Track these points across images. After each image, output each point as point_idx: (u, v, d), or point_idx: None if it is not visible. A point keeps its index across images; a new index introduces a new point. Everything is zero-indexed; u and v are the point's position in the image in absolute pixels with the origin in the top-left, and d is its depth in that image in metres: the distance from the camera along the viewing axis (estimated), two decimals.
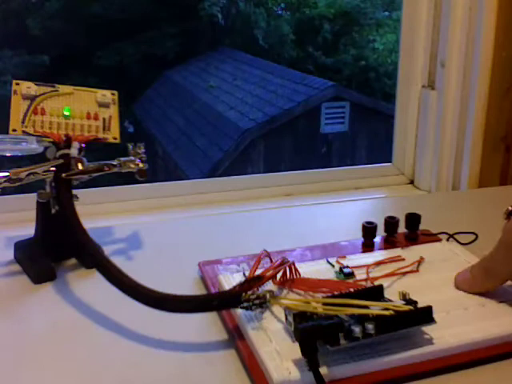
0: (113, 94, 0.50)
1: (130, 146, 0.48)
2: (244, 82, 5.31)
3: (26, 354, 0.39)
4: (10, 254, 0.50)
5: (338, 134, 4.96)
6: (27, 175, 0.44)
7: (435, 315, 0.36)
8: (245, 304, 0.37)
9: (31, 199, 0.48)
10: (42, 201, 0.47)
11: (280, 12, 6.73)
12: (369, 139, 4.97)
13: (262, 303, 0.37)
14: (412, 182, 0.80)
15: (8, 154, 0.47)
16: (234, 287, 0.38)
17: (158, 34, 5.99)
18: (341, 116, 4.92)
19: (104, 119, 0.49)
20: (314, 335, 0.33)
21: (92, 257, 0.41)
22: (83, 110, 0.49)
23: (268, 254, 0.43)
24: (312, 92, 4.78)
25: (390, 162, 0.83)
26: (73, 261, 0.50)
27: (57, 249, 0.49)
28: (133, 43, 5.95)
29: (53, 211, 0.46)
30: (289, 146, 4.76)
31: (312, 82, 4.99)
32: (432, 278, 0.44)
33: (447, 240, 0.51)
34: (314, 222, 0.60)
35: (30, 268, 0.48)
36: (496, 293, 0.41)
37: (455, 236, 0.52)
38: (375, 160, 0.92)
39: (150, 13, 5.98)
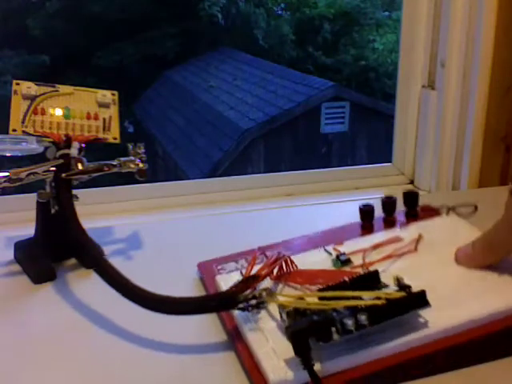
0: (113, 95, 0.50)
1: (130, 146, 0.48)
2: (244, 82, 5.31)
3: (26, 353, 0.39)
4: (9, 254, 0.50)
5: (337, 134, 4.96)
6: (27, 175, 0.44)
7: (433, 295, 0.35)
8: (241, 305, 0.37)
9: (31, 199, 0.48)
10: (42, 201, 0.47)
11: (280, 12, 6.73)
12: (369, 139, 4.97)
13: (259, 303, 0.37)
14: (412, 182, 0.80)
15: (8, 154, 0.47)
16: (230, 288, 0.38)
17: (158, 34, 6.00)
18: (341, 116, 4.92)
19: (104, 119, 0.49)
20: (305, 334, 0.33)
21: (90, 258, 0.41)
22: (83, 110, 0.49)
23: (263, 252, 0.43)
24: (312, 92, 4.78)
25: (390, 161, 0.83)
26: (73, 261, 0.50)
27: (57, 249, 0.49)
28: (133, 43, 5.95)
29: (53, 211, 0.46)
30: (289, 146, 4.76)
31: (312, 82, 4.99)
32: (430, 256, 0.43)
33: (446, 214, 0.51)
34: (315, 221, 0.60)
35: (30, 268, 0.48)
36: (496, 266, 0.40)
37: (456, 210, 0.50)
38: (375, 160, 0.92)
39: (150, 13, 5.98)
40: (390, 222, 0.50)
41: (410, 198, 0.50)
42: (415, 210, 0.50)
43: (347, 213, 0.63)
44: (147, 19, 5.96)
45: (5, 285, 0.47)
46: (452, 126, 0.73)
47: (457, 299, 0.38)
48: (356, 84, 5.94)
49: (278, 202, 0.76)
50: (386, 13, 6.56)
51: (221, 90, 5.30)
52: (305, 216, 0.62)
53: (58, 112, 0.47)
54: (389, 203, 0.50)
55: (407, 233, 0.46)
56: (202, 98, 5.29)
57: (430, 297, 0.35)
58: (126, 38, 5.93)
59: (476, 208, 0.51)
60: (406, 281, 0.36)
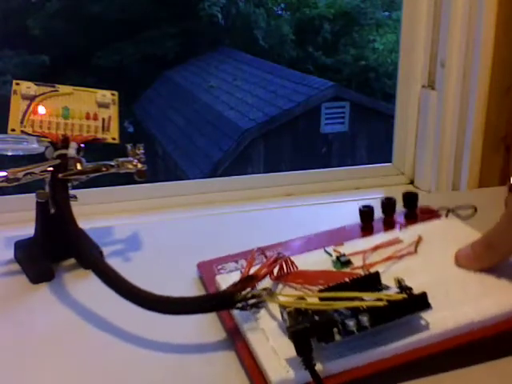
0: (113, 95, 0.50)
1: (129, 147, 0.48)
2: (244, 82, 5.32)
3: (24, 353, 0.39)
4: (9, 254, 0.50)
5: (337, 134, 4.96)
6: (24, 175, 0.44)
7: (433, 297, 0.35)
8: (240, 304, 0.37)
9: (31, 199, 0.48)
10: (41, 201, 0.47)
11: (280, 12, 6.73)
12: (369, 139, 4.97)
13: (258, 303, 0.37)
14: (412, 182, 0.80)
15: (10, 154, 0.47)
16: (228, 288, 0.38)
17: (158, 34, 6.00)
18: (341, 116, 4.92)
19: (103, 119, 0.49)
20: (306, 334, 0.32)
21: (86, 259, 0.41)
22: (83, 110, 0.48)
23: (262, 251, 0.43)
24: (312, 92, 4.78)
25: (390, 161, 0.83)
26: (72, 261, 0.50)
27: (56, 249, 0.49)
28: (133, 43, 5.95)
29: (52, 211, 0.46)
30: (289, 146, 4.76)
31: (312, 82, 4.99)
32: (430, 258, 0.43)
33: (446, 216, 0.51)
34: (315, 221, 0.60)
35: (29, 268, 0.48)
36: (495, 268, 0.40)
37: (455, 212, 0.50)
38: (375, 160, 0.92)
39: (150, 13, 5.98)
40: (389, 224, 0.50)
41: (410, 199, 0.50)
42: (414, 212, 0.50)
43: (347, 213, 0.62)
44: (147, 19, 5.96)
45: (3, 284, 0.47)
46: (452, 126, 0.73)
47: (457, 301, 0.38)
48: (356, 84, 5.95)
49: (278, 202, 0.76)
50: (386, 13, 6.56)
51: (221, 90, 5.30)
52: (305, 216, 0.62)
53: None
54: (388, 204, 0.50)
55: (407, 234, 0.46)
56: (201, 98, 5.29)
57: (430, 299, 0.35)
58: (126, 38, 5.93)
59: (475, 210, 0.51)
60: (407, 282, 0.36)
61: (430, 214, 0.50)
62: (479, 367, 0.36)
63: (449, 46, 0.71)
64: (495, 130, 0.73)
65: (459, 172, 0.74)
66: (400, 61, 0.79)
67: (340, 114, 4.90)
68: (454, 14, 0.70)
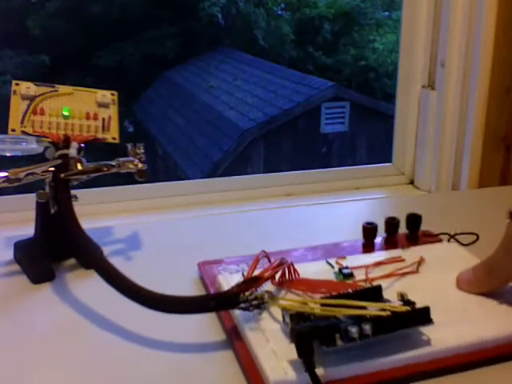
0: (112, 95, 0.50)
1: (129, 147, 0.48)
2: (244, 82, 5.31)
3: (25, 353, 0.39)
4: (9, 254, 0.50)
5: (338, 134, 4.95)
6: (26, 175, 0.44)
7: (434, 316, 0.36)
8: (242, 305, 0.37)
9: (31, 199, 0.48)
10: (42, 201, 0.47)
11: (280, 12, 6.73)
12: (369, 139, 4.97)
13: (260, 304, 0.37)
14: (412, 182, 0.80)
15: (8, 154, 0.47)
16: (232, 288, 0.38)
17: (158, 34, 5.99)
18: (341, 116, 4.91)
19: (103, 119, 0.49)
20: (310, 336, 0.33)
21: (89, 258, 0.41)
22: (83, 110, 0.48)
23: (266, 255, 0.43)
24: (312, 92, 4.78)
25: (390, 161, 0.83)
26: (72, 261, 0.50)
27: (56, 249, 0.49)
28: (133, 43, 5.94)
29: (52, 211, 0.45)
30: (289, 146, 4.75)
31: (312, 82, 4.98)
32: (431, 278, 0.44)
33: (448, 241, 0.51)
34: (315, 222, 0.60)
35: (29, 268, 0.48)
36: (496, 293, 0.41)
37: (456, 237, 0.52)
38: (375, 160, 0.92)
39: (150, 13, 5.97)
40: (391, 243, 0.50)
41: (413, 220, 0.50)
42: (416, 234, 0.51)
43: (347, 213, 0.63)
44: (147, 19, 5.96)
45: (4, 285, 0.47)
46: (452, 126, 0.73)
47: (455, 322, 0.38)
48: (356, 84, 5.94)
49: (278, 202, 0.76)
50: (386, 13, 6.56)
51: (221, 90, 5.30)
52: (305, 216, 0.62)
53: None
54: (392, 224, 0.50)
55: (409, 255, 0.47)
56: (202, 98, 5.28)
57: (432, 315, 0.36)
58: (125, 38, 5.92)
59: (478, 237, 0.51)
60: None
61: (431, 238, 0.51)
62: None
63: (449, 46, 0.71)
64: (495, 130, 0.73)
65: (459, 172, 0.74)
66: (400, 61, 0.79)
67: (340, 113, 4.90)
68: (453, 14, 0.70)
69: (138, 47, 5.95)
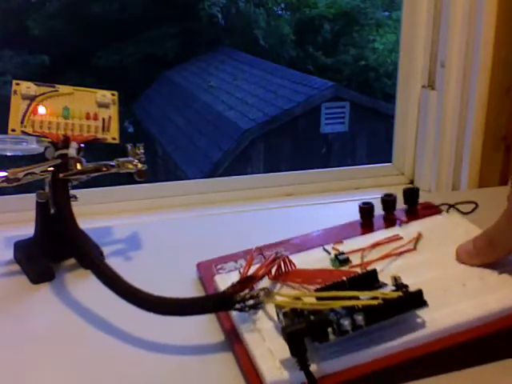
0: (113, 95, 0.50)
1: (129, 147, 0.48)
2: (244, 81, 5.31)
3: (25, 353, 0.39)
4: (9, 254, 0.50)
5: (338, 134, 4.95)
6: (25, 175, 0.44)
7: (432, 294, 0.35)
8: (238, 306, 0.37)
9: (31, 199, 0.48)
10: (42, 201, 0.47)
11: (280, 12, 6.73)
12: (369, 139, 4.97)
13: (256, 304, 0.37)
14: (412, 182, 0.80)
15: (9, 154, 0.47)
16: (227, 289, 0.38)
17: (158, 34, 5.99)
18: (341, 116, 4.91)
19: (103, 119, 0.49)
20: (301, 335, 0.32)
21: (86, 259, 0.41)
22: (83, 110, 0.48)
23: (260, 251, 0.43)
24: (312, 92, 4.78)
25: (390, 161, 0.83)
26: (72, 261, 0.50)
27: (56, 249, 0.49)
28: (133, 43, 5.94)
29: (52, 211, 0.45)
30: (289, 146, 4.75)
31: (312, 82, 4.98)
32: (429, 255, 0.43)
33: (447, 211, 0.50)
34: (315, 222, 0.60)
35: (29, 268, 0.48)
36: (496, 264, 0.40)
37: (457, 206, 0.50)
38: (375, 160, 0.92)
39: (150, 13, 5.97)
40: (390, 220, 0.50)
41: (411, 194, 0.50)
42: (415, 208, 0.50)
43: (347, 213, 0.62)
44: (147, 19, 5.95)
45: (4, 285, 0.47)
46: (452, 126, 0.73)
47: (456, 298, 0.38)
48: (356, 84, 5.94)
49: (278, 202, 0.76)
50: (386, 13, 6.56)
51: (221, 90, 5.30)
52: (305, 216, 0.62)
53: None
54: (389, 201, 0.50)
55: (407, 231, 0.46)
56: (201, 98, 5.28)
57: (427, 296, 0.35)
58: (126, 37, 5.92)
59: (476, 205, 0.51)
60: (404, 280, 0.36)
61: (431, 210, 0.50)
62: (480, 367, 0.36)
63: (449, 45, 0.71)
64: (495, 130, 0.72)
65: (459, 172, 0.74)
66: (400, 61, 0.79)
67: (340, 113, 4.90)
68: (453, 14, 0.70)
69: (138, 47, 5.95)
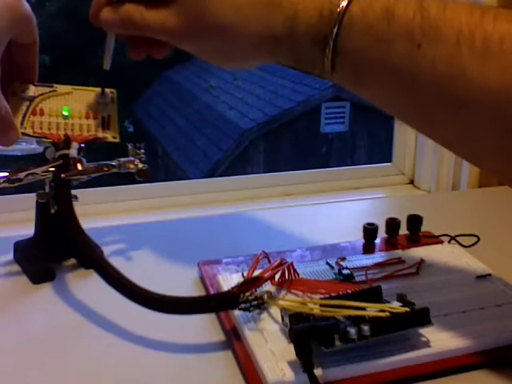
0: (111, 93, 0.50)
1: (130, 147, 0.48)
2: (244, 81, 5.31)
3: (25, 353, 0.39)
4: (9, 254, 0.50)
5: (337, 134, 4.96)
6: (26, 175, 0.44)
7: (433, 317, 0.36)
8: (242, 305, 0.37)
9: (31, 199, 0.48)
10: (42, 201, 0.47)
11: None
12: (369, 139, 4.97)
13: (260, 304, 0.37)
14: (412, 182, 0.80)
15: (8, 154, 0.47)
16: (232, 288, 0.38)
17: None
18: (341, 116, 4.92)
19: (103, 118, 0.49)
20: (308, 336, 0.33)
21: (89, 258, 0.41)
22: (82, 109, 0.48)
23: (266, 255, 0.43)
24: (312, 92, 4.78)
25: (390, 162, 0.83)
26: (72, 261, 0.50)
27: (56, 249, 0.49)
28: None
29: (52, 211, 0.46)
30: (289, 146, 4.75)
31: (312, 81, 4.98)
32: (431, 280, 0.44)
33: (449, 242, 0.51)
34: (314, 222, 0.60)
35: (29, 268, 0.48)
36: (495, 296, 0.41)
37: (457, 238, 0.51)
38: (375, 160, 0.92)
39: None
40: (391, 244, 0.50)
41: (414, 221, 0.50)
42: (417, 235, 0.51)
43: (347, 213, 0.63)
44: None
45: (4, 285, 0.47)
46: None
47: (456, 323, 0.38)
48: None
49: (278, 201, 0.76)
50: None
51: (221, 89, 5.30)
52: (304, 216, 0.62)
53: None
54: (393, 225, 0.50)
55: (409, 256, 0.47)
56: (201, 98, 5.29)
57: (431, 317, 0.36)
58: None
59: (478, 239, 0.51)
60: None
61: (432, 240, 0.51)
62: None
63: None
64: None
65: (459, 172, 0.74)
66: None
67: (340, 113, 4.90)
68: None
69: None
